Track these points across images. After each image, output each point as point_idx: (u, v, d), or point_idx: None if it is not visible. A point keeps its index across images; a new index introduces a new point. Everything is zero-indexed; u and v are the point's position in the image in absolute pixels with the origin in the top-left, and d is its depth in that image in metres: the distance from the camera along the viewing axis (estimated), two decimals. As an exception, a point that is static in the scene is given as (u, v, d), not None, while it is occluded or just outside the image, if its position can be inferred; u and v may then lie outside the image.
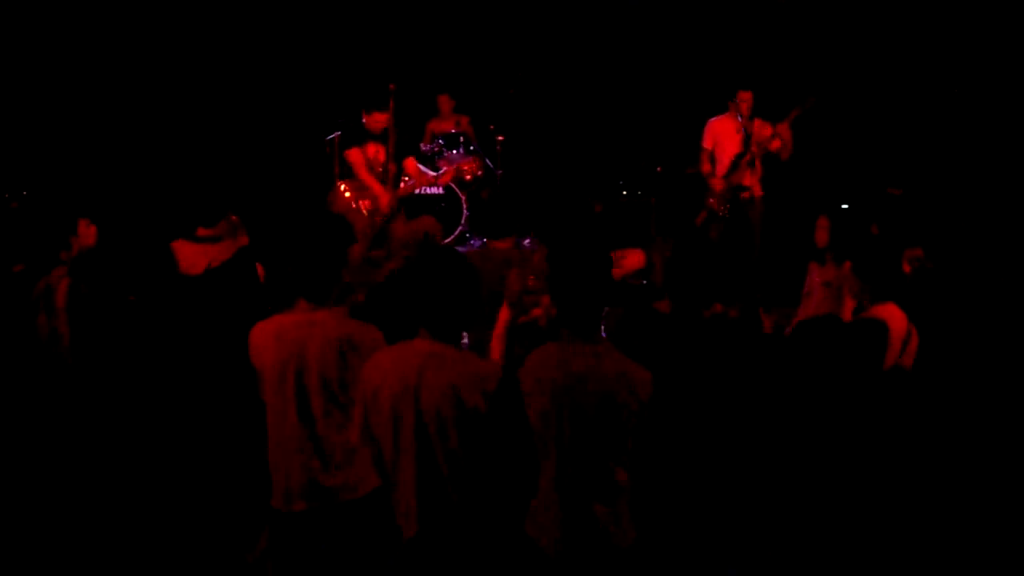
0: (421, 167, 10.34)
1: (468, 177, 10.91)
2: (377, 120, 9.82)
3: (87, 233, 6.89)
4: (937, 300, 6.85)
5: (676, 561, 5.16)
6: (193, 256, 6.31)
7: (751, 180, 10.62)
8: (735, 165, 10.57)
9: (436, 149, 12.51)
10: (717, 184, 10.61)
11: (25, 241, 6.98)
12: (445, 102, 13.38)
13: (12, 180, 10.96)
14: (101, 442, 6.41)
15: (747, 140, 10.52)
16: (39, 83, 12.26)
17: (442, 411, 4.19)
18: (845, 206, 10.78)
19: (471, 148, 12.85)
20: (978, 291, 7.20)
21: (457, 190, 12.35)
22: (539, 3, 13.87)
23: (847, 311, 6.64)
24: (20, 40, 12.16)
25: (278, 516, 4.71)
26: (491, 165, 13.08)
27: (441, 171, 10.12)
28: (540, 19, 13.93)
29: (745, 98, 10.53)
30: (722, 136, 10.78)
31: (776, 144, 10.37)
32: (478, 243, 12.32)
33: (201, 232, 6.39)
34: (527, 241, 12.41)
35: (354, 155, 9.91)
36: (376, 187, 9.88)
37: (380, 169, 9.88)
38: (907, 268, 7.36)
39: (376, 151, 9.92)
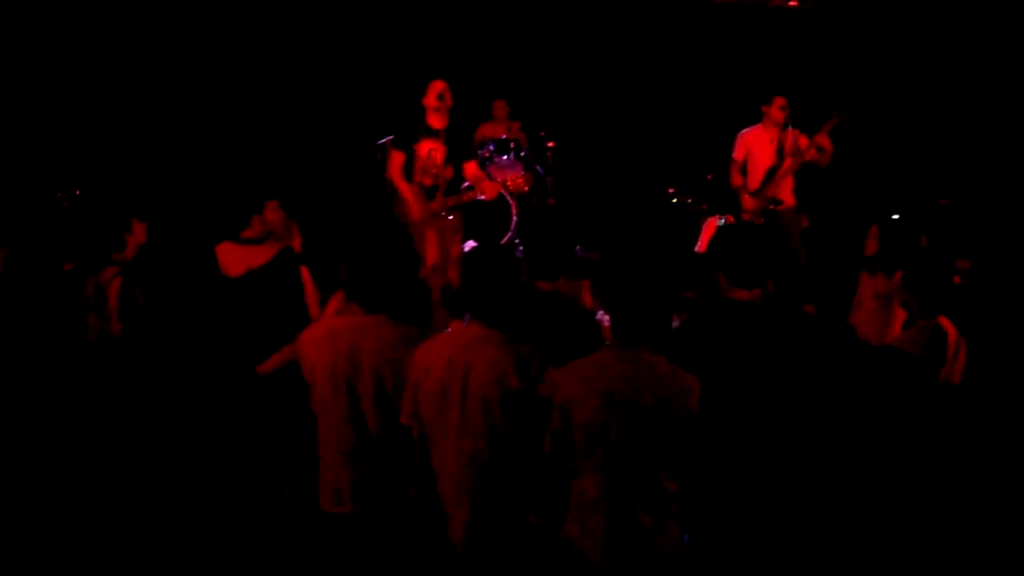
0: (480, 172, 9.75)
1: (513, 190, 10.57)
2: (436, 93, 9.14)
3: (140, 232, 6.94)
4: (985, 313, 6.78)
5: (722, 571, 5.14)
6: (234, 259, 6.35)
7: (785, 192, 10.48)
8: (769, 177, 10.44)
9: (486, 155, 12.40)
10: (748, 202, 10.48)
11: (76, 240, 7.04)
12: (500, 107, 13.21)
13: (64, 179, 11.03)
14: (142, 442, 6.46)
15: (780, 150, 10.37)
16: (91, 83, 12.34)
17: (487, 391, 4.37)
18: (896, 216, 10.68)
19: (521, 154, 12.66)
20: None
21: (508, 197, 12.28)
22: (591, 9, 13.85)
23: (897, 323, 6.59)
24: (73, 42, 12.25)
25: (327, 517, 4.74)
26: (541, 172, 13.02)
27: (484, 186, 9.58)
28: (592, 24, 13.91)
29: (781, 104, 10.39)
30: (755, 148, 10.56)
31: (812, 153, 10.22)
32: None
33: (244, 234, 6.42)
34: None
35: (394, 156, 9.25)
36: (407, 195, 9.18)
37: (434, 171, 9.23)
38: (956, 279, 7.29)
39: (432, 149, 9.23)
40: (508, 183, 10.00)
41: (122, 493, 6.34)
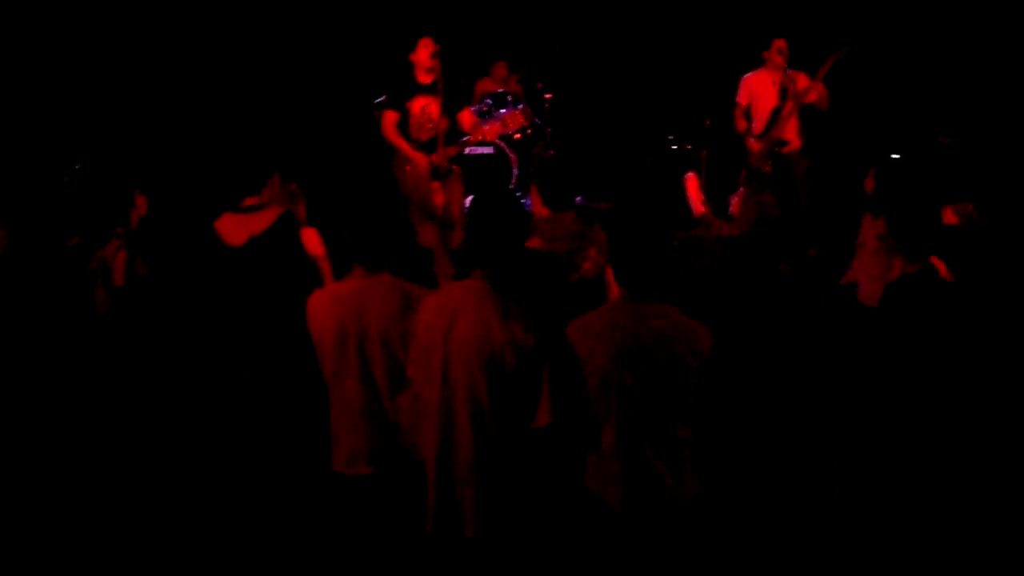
0: (477, 119, 9.81)
1: (513, 129, 10.56)
2: (424, 53, 9.19)
3: (142, 205, 6.94)
4: (985, 257, 6.71)
5: (738, 515, 5.18)
6: (235, 228, 6.31)
7: (790, 133, 10.48)
8: (773, 120, 10.42)
9: (484, 109, 12.38)
10: (754, 145, 10.45)
11: (79, 215, 7.03)
12: (500, 68, 13.20)
13: (65, 154, 11.01)
14: (153, 415, 6.48)
15: (784, 93, 10.35)
16: (90, 59, 12.31)
17: (468, 345, 4.33)
18: (895, 156, 10.60)
19: (519, 107, 12.62)
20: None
21: (508, 149, 12.26)
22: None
23: (898, 265, 6.54)
24: (72, 19, 12.21)
25: (341, 479, 4.76)
26: (539, 122, 12.98)
27: (483, 130, 9.60)
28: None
29: (780, 46, 10.34)
30: (758, 91, 10.56)
31: (812, 96, 10.18)
32: (528, 202, 12.23)
33: (247, 202, 6.39)
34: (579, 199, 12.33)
35: (386, 116, 9.35)
36: (407, 150, 9.29)
37: (430, 125, 9.27)
38: (955, 219, 7.20)
39: (425, 104, 9.30)
40: (507, 120, 9.98)
41: (129, 467, 6.37)
